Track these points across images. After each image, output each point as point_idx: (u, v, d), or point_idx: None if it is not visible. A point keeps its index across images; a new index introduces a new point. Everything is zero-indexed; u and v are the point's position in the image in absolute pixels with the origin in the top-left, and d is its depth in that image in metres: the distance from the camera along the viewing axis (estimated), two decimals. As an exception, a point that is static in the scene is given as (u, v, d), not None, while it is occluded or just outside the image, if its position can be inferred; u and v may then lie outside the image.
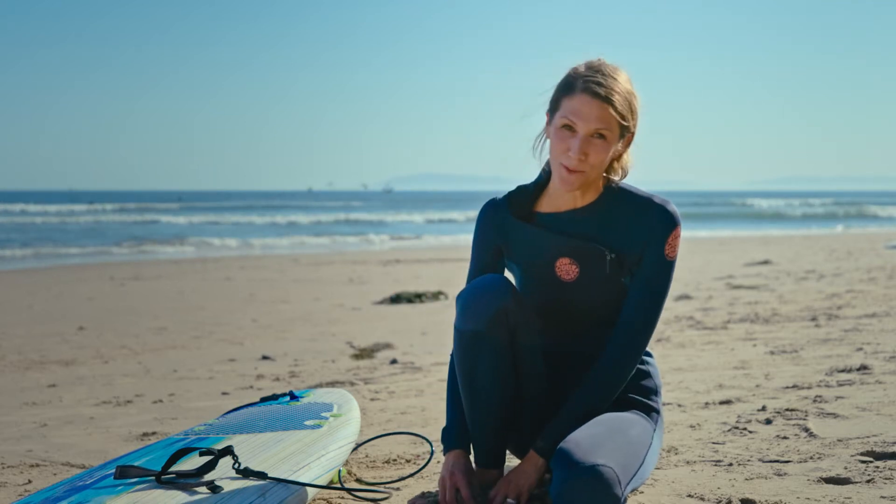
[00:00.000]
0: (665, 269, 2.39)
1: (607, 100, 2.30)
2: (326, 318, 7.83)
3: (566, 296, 2.45)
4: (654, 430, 2.46)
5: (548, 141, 2.43)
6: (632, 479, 2.21)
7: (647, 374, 2.51)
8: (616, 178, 2.46)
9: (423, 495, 2.47)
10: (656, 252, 2.38)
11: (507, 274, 2.59)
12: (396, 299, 8.93)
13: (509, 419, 2.45)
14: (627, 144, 2.43)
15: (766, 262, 12.50)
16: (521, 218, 2.50)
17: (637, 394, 2.48)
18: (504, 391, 2.40)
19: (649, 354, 2.56)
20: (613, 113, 2.31)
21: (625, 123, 2.34)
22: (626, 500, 2.13)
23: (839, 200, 63.10)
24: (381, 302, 8.95)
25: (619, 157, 2.44)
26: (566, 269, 2.44)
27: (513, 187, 2.57)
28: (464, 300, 2.40)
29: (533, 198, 2.52)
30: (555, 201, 2.48)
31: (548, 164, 2.49)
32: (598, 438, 2.18)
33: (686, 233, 26.15)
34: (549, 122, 2.42)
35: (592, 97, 2.30)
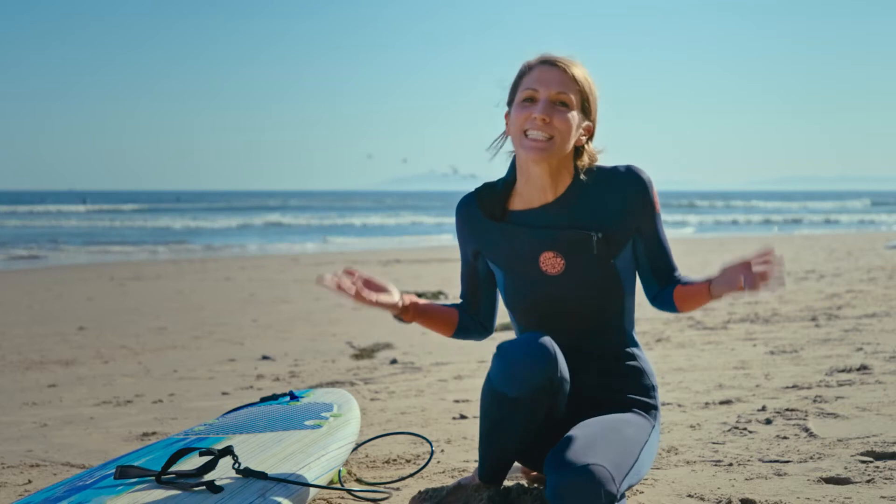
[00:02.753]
0: (661, 221, 2.43)
1: (566, 68, 2.34)
2: (326, 318, 7.83)
3: (556, 291, 2.39)
4: (653, 426, 2.44)
5: (509, 138, 2.43)
6: (626, 475, 2.20)
7: (644, 372, 2.48)
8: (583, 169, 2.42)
9: (419, 495, 2.46)
10: (651, 212, 2.39)
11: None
12: (396, 299, 8.93)
13: (523, 451, 2.40)
14: (590, 134, 2.41)
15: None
16: (494, 218, 2.44)
17: (637, 393, 2.47)
18: (524, 442, 2.31)
19: (638, 346, 2.51)
20: (573, 80, 2.33)
21: (584, 95, 2.35)
22: (623, 496, 2.13)
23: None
24: (381, 302, 8.94)
25: (583, 146, 2.40)
26: (551, 262, 2.37)
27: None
28: (509, 362, 2.21)
29: (503, 197, 2.45)
30: (526, 198, 2.42)
31: (513, 162, 2.45)
32: (591, 439, 2.17)
33: (687, 234, 26.28)
34: (508, 114, 2.43)
35: (551, 66, 2.35)
